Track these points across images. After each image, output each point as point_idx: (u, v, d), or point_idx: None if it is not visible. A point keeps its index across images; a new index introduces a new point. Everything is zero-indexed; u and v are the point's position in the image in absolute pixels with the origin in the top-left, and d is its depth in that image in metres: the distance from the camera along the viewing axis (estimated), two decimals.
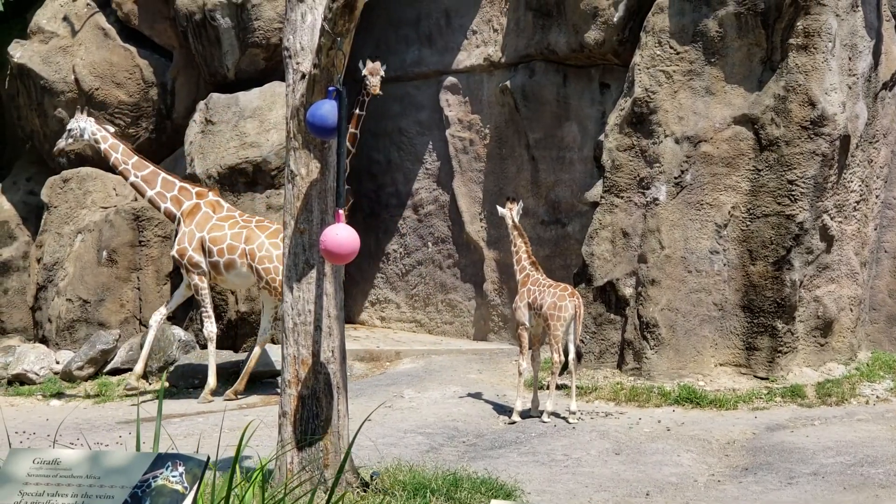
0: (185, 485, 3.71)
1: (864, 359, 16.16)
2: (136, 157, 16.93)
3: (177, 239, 16.85)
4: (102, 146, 17.05)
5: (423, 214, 19.91)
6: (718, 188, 15.77)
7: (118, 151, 16.92)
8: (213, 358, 16.70)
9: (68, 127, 17.38)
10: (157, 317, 17.07)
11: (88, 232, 20.44)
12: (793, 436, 13.34)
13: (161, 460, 3.80)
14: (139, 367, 17.13)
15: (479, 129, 19.05)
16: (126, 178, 17.13)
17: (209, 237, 16.45)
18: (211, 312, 16.84)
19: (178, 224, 16.85)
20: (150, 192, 16.85)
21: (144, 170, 16.84)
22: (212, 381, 16.51)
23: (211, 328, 16.78)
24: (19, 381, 18.85)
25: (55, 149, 17.84)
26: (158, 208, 17.19)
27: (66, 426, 14.85)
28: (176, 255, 16.87)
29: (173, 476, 3.73)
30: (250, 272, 16.33)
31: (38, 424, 14.93)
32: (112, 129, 17.71)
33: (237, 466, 4.48)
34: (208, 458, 3.83)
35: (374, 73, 16.34)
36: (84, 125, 17.10)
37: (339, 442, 10.34)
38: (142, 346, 17.35)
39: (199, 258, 16.51)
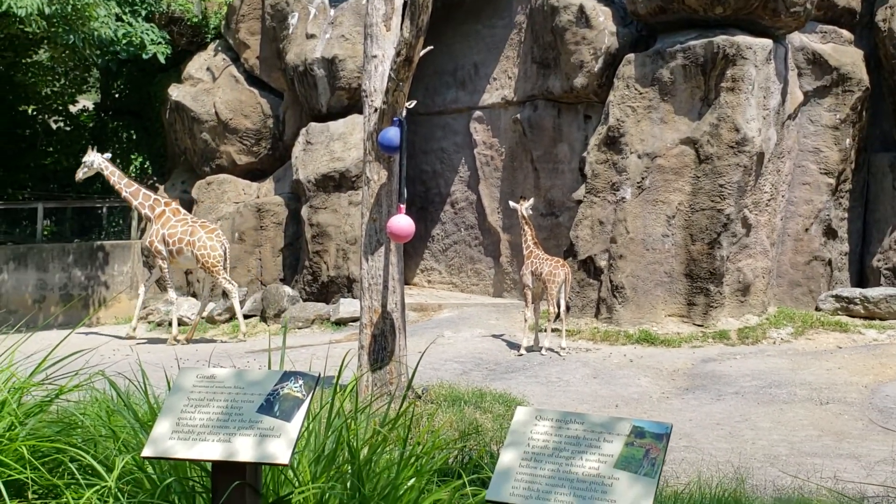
0: (304, 393, 3.74)
1: (772, 312, 16.02)
2: (126, 179, 17.19)
3: (149, 234, 17.10)
4: (105, 172, 17.10)
5: (457, 209, 19.84)
6: (669, 190, 15.62)
7: (115, 175, 17.08)
8: (175, 311, 17.15)
9: (83, 160, 17.28)
10: (143, 289, 17.44)
11: (225, 220, 20.37)
12: (720, 366, 13.24)
13: (286, 376, 3.84)
14: (133, 323, 17.47)
15: (497, 148, 18.95)
16: (121, 194, 17.29)
17: (168, 233, 16.65)
18: (172, 284, 17.17)
19: (150, 223, 17.04)
20: (135, 202, 17.08)
21: (132, 188, 17.05)
22: (175, 330, 17.03)
23: (172, 295, 17.15)
24: (178, 324, 18.77)
25: (76, 178, 17.66)
26: (139, 212, 17.52)
27: (210, 354, 14.86)
28: (146, 245, 17.26)
29: (295, 387, 3.77)
30: (193, 257, 16.64)
31: (191, 354, 14.91)
32: (108, 156, 17.56)
33: (338, 382, 4.40)
34: (319, 374, 3.92)
35: None
36: (93, 158, 17.11)
37: (400, 367, 10.35)
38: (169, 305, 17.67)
39: (161, 248, 16.76)
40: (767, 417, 10.55)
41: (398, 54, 9.77)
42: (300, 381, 3.73)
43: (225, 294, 18.59)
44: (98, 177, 24.28)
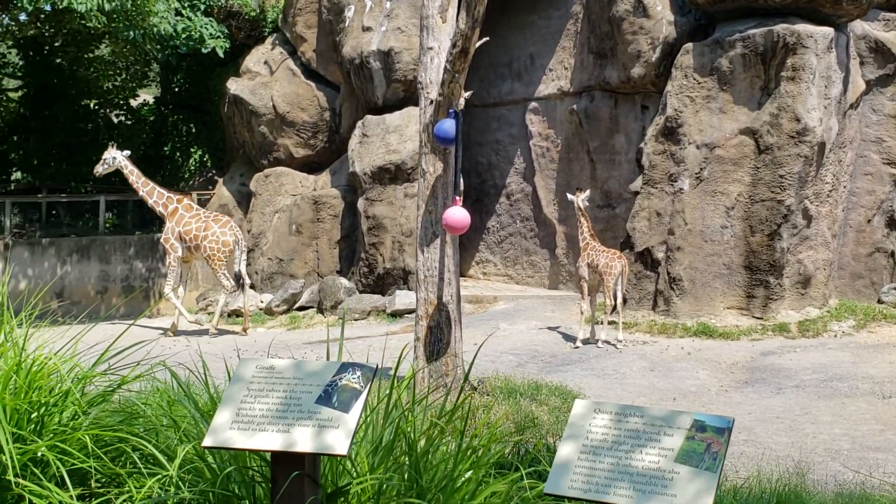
0: (362, 384, 3.75)
1: (833, 304, 15.74)
2: (143, 178, 17.30)
3: (164, 230, 17.21)
4: (125, 170, 17.25)
5: (513, 200, 19.79)
6: (728, 181, 15.40)
7: (134, 174, 17.19)
8: (178, 302, 17.11)
9: (104, 157, 17.43)
10: (168, 290, 17.28)
11: (282, 212, 20.53)
12: (780, 359, 13.04)
13: (344, 367, 3.85)
14: (188, 316, 17.44)
15: (553, 139, 18.84)
16: (138, 192, 17.43)
17: (183, 230, 16.81)
18: (172, 280, 17.13)
19: (166, 220, 17.17)
20: (150, 200, 17.23)
21: (148, 186, 17.19)
22: (175, 322, 16.97)
23: (177, 290, 17.19)
24: (236, 314, 19.01)
25: (94, 173, 17.81)
26: (154, 210, 17.57)
27: (268, 345, 15.02)
28: (162, 241, 17.30)
29: (353, 378, 3.78)
30: (206, 250, 16.78)
31: (250, 344, 15.08)
32: (128, 153, 17.71)
33: (396, 373, 4.42)
34: (377, 366, 3.93)
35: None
36: (114, 155, 17.29)
37: (455, 359, 10.33)
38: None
39: (176, 244, 16.90)
40: (828, 411, 10.37)
41: (454, 46, 9.74)
42: (358, 373, 3.73)
43: (286, 287, 18.78)
44: (158, 169, 24.61)
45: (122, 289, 20.57)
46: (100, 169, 17.45)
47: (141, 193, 17.24)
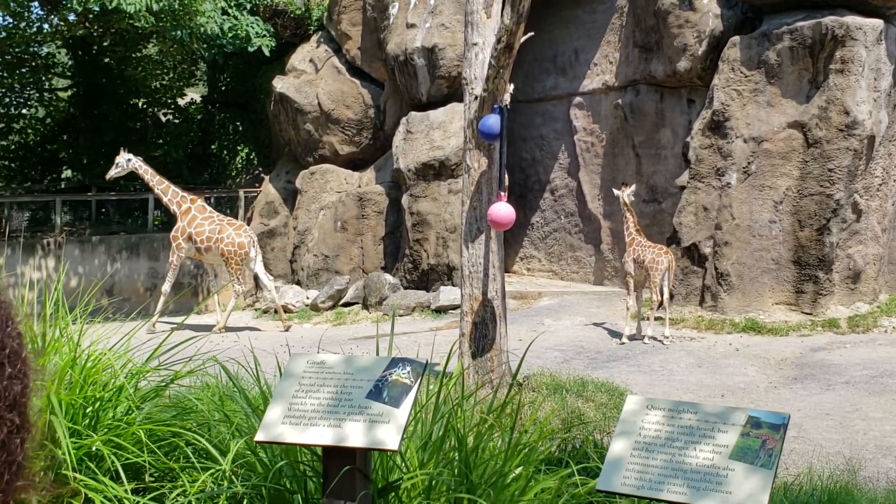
0: (412, 379, 3.75)
1: (883, 300, 15.52)
2: (158, 177, 17.50)
3: (175, 228, 17.37)
4: (140, 171, 17.37)
5: (557, 196, 19.69)
6: (776, 175, 15.22)
7: (148, 174, 17.36)
8: (161, 304, 16.90)
9: (116, 161, 17.51)
10: (168, 287, 17.36)
11: (328, 209, 20.62)
12: (830, 355, 12.88)
13: (394, 362, 3.85)
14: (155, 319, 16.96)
15: (598, 134, 18.72)
16: (153, 191, 17.67)
17: (195, 231, 16.95)
18: (171, 278, 17.33)
19: (178, 219, 17.31)
20: (164, 199, 17.43)
21: (163, 185, 17.38)
22: (155, 318, 16.59)
23: (167, 288, 17.24)
24: (285, 310, 19.13)
25: (107, 177, 17.97)
26: (168, 208, 17.80)
27: (315, 341, 15.09)
28: (171, 240, 17.46)
29: (403, 373, 3.77)
30: (220, 253, 16.90)
31: (296, 340, 15.16)
32: (141, 159, 17.80)
33: (445, 369, 4.42)
34: (427, 361, 3.89)
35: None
36: (128, 157, 17.37)
37: (500, 355, 10.31)
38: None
39: (183, 243, 17.08)
40: (879, 408, 10.23)
41: (499, 41, 9.71)
42: (408, 368, 3.72)
43: (332, 284, 18.85)
44: (205, 167, 24.84)
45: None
46: (112, 172, 17.66)
47: (156, 191, 17.51)
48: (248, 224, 22.23)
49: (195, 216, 17.08)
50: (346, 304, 19.01)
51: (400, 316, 17.53)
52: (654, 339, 14.08)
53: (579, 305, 16.85)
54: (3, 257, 18.39)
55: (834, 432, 9.32)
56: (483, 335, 10.40)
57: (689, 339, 14.32)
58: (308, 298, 19.50)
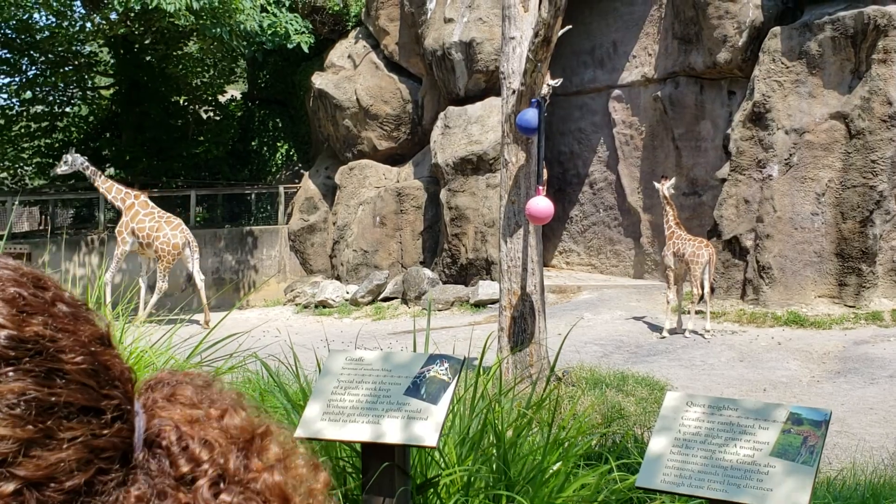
0: (449, 376, 3.75)
1: None
2: (103, 177, 17.82)
3: (119, 223, 17.56)
4: (87, 172, 17.59)
5: (596, 189, 19.59)
6: (818, 167, 15.05)
7: (95, 174, 17.59)
8: (108, 286, 16.61)
9: (64, 158, 17.82)
10: (108, 276, 17.28)
11: (367, 204, 20.70)
12: (874, 349, 12.71)
13: (432, 359, 3.85)
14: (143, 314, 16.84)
15: (637, 127, 18.60)
16: (98, 189, 17.83)
17: (137, 227, 17.20)
18: (114, 269, 17.43)
19: (122, 214, 17.51)
20: (109, 196, 17.61)
21: (107, 184, 17.61)
22: (142, 313, 16.37)
23: (108, 277, 17.09)
24: (322, 305, 19.28)
25: (53, 173, 18.54)
26: (114, 205, 18.05)
27: (354, 336, 15.15)
28: (116, 234, 17.72)
29: (441, 370, 3.78)
30: (154, 251, 17.18)
31: (336, 335, 15.21)
32: (86, 158, 18.07)
33: (481, 364, 4.41)
34: (464, 357, 3.92)
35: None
36: (75, 157, 17.64)
37: (539, 349, 10.29)
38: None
39: (127, 237, 17.27)
40: None
41: (536, 35, 9.68)
42: (446, 364, 3.73)
43: (371, 279, 18.91)
44: (246, 164, 25.01)
45: (212, 281, 20.96)
46: (58, 170, 18.03)
47: (101, 189, 17.76)
48: (288, 220, 22.37)
49: (138, 211, 17.37)
50: (386, 299, 19.08)
51: (439, 310, 17.54)
52: (695, 332, 13.98)
53: (619, 299, 16.76)
54: (48, 254, 18.69)
55: (878, 427, 9.20)
56: (522, 329, 10.38)
57: (731, 333, 14.20)
58: (348, 293, 19.59)
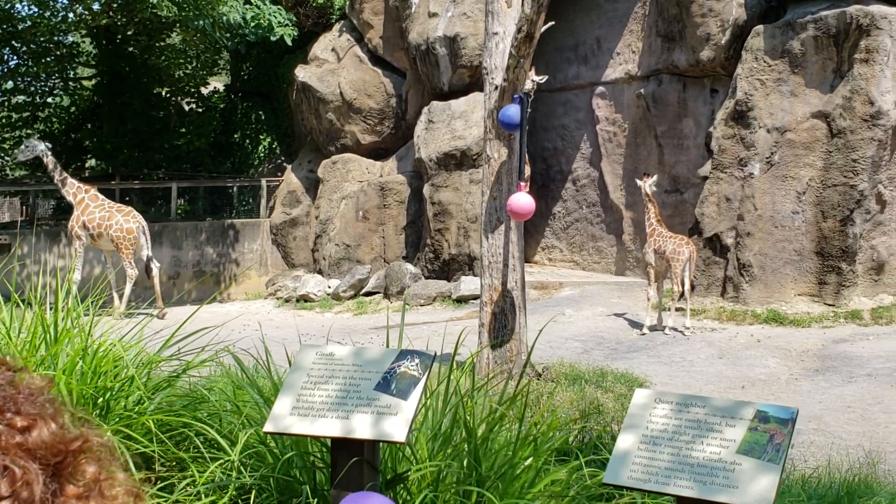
0: (420, 371, 3.74)
1: None
2: (59, 168, 17.67)
3: (72, 218, 17.56)
4: (45, 159, 17.53)
5: (579, 186, 19.62)
6: (799, 165, 15.12)
7: (55, 165, 17.52)
8: (75, 286, 16.48)
9: (25, 143, 17.89)
10: (78, 276, 17.09)
11: (349, 198, 20.66)
12: (852, 347, 12.80)
13: (403, 354, 3.84)
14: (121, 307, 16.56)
15: (620, 124, 18.63)
16: (53, 180, 17.80)
17: (87, 219, 17.17)
18: (79, 266, 17.44)
19: (74, 209, 17.50)
20: (62, 189, 17.59)
21: (62, 176, 17.55)
22: (118, 304, 16.32)
23: (77, 277, 16.82)
24: (304, 300, 19.24)
25: (13, 156, 18.35)
26: (66, 198, 18.03)
27: (335, 330, 15.15)
28: (69, 228, 17.72)
29: (412, 365, 3.77)
30: (110, 239, 17.13)
31: (317, 329, 15.19)
32: (49, 145, 17.95)
33: (454, 359, 4.42)
34: (435, 353, 3.91)
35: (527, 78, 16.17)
36: (36, 143, 17.68)
37: (519, 345, 10.33)
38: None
39: (80, 232, 17.27)
40: None
41: (519, 31, 9.69)
42: (416, 360, 3.73)
43: (353, 273, 18.89)
44: (228, 156, 24.90)
45: (193, 274, 20.91)
46: (20, 156, 18.15)
47: (56, 180, 17.71)
48: (270, 214, 22.32)
49: (88, 205, 17.36)
50: (368, 294, 19.06)
51: (421, 305, 17.54)
52: (675, 329, 14.03)
53: (600, 296, 16.80)
54: (29, 245, 18.60)
55: (855, 425, 9.26)
56: (502, 325, 10.40)
57: (711, 330, 14.26)
58: (329, 288, 19.56)
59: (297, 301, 19.24)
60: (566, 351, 12.63)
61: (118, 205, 17.72)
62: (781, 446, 3.14)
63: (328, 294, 19.38)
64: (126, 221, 17.06)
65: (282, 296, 19.78)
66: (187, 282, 20.62)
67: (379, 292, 18.92)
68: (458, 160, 18.64)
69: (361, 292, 19.12)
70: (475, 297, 16.70)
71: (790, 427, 3.18)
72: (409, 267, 18.90)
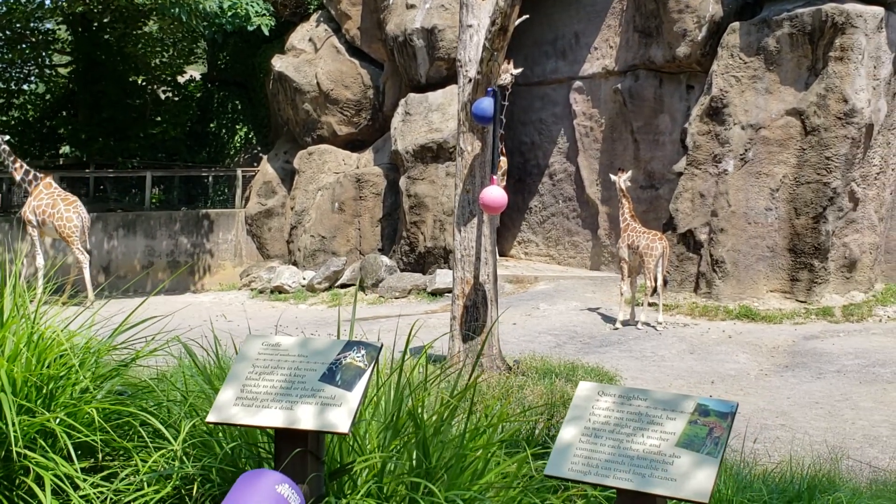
0: (366, 363, 3.74)
1: (879, 289, 15.49)
2: (14, 156, 17.66)
3: (26, 204, 17.53)
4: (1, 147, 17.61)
5: (556, 180, 19.62)
6: (773, 162, 15.20)
7: (9, 154, 17.52)
8: (41, 280, 16.53)
9: None
10: (41, 260, 17.40)
11: (325, 189, 20.62)
12: (823, 343, 12.89)
13: (349, 345, 3.83)
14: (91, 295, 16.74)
15: (597, 119, 18.64)
16: (8, 169, 17.78)
17: (36, 205, 17.21)
18: (39, 251, 17.39)
19: (29, 197, 17.51)
20: (18, 177, 17.55)
21: (17, 164, 17.48)
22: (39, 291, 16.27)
23: (40, 262, 17.27)
24: (278, 291, 19.21)
25: None
26: (21, 186, 18.28)
27: (308, 322, 15.14)
28: (21, 215, 17.74)
29: (358, 356, 3.77)
30: (54, 227, 17.12)
31: (290, 320, 15.19)
32: (7, 138, 18.21)
33: (406, 350, 4.43)
34: (381, 344, 3.91)
35: (505, 71, 16.07)
36: None
37: (490, 339, 10.36)
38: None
39: (32, 218, 17.27)
40: (869, 397, 10.23)
41: (493, 24, 9.70)
42: (363, 351, 3.73)
43: (328, 265, 18.85)
44: (204, 146, 24.81)
45: (167, 264, 20.83)
46: None
47: (10, 169, 17.67)
48: (246, 204, 22.24)
49: (41, 192, 17.35)
50: (343, 286, 19.04)
51: (396, 298, 17.54)
52: (648, 324, 14.09)
53: (575, 290, 16.84)
54: (2, 232, 18.47)
55: (822, 421, 9.32)
56: (474, 318, 10.43)
57: (683, 326, 14.32)
58: (304, 279, 19.53)
59: (272, 292, 19.21)
60: (539, 345, 12.67)
61: (65, 194, 17.64)
62: (720, 440, 3.16)
63: (303, 286, 19.35)
64: (67, 210, 17.04)
65: (256, 287, 19.74)
66: (161, 271, 20.55)
67: (354, 284, 18.90)
68: (435, 153, 18.63)
69: (336, 284, 19.10)
70: (450, 291, 16.70)
71: (730, 421, 3.20)
72: (385, 259, 18.89)
